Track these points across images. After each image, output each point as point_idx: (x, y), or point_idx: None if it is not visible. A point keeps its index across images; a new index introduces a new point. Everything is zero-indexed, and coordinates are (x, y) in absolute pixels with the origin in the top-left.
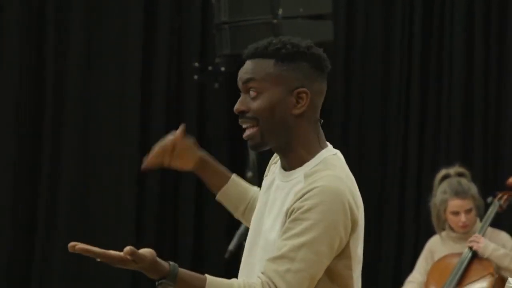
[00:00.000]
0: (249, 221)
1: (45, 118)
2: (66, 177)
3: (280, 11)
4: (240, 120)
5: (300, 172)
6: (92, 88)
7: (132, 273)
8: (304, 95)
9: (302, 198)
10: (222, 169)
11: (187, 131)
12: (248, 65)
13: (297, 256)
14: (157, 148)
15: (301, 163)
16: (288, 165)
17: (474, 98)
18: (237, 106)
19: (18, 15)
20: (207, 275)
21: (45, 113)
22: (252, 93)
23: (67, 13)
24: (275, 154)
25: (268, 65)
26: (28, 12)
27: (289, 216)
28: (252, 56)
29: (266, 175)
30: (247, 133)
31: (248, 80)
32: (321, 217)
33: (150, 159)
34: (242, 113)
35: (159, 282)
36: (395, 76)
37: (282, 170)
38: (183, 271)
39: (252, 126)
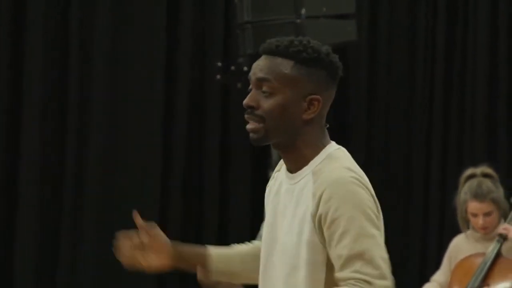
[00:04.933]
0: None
1: (69, 119)
2: (90, 179)
3: (303, 11)
4: (246, 116)
5: (306, 170)
6: (116, 88)
7: (157, 276)
8: (316, 102)
9: (323, 201)
10: (196, 249)
11: (209, 132)
12: (265, 62)
13: (360, 249)
14: (126, 248)
15: (306, 162)
16: (293, 166)
17: (499, 95)
18: (247, 101)
19: (42, 14)
20: None
21: (69, 115)
22: (265, 92)
23: (91, 15)
24: (278, 164)
25: (286, 65)
26: (52, 12)
27: (320, 222)
28: (271, 52)
29: (268, 185)
30: (251, 126)
31: (262, 79)
32: (351, 205)
33: (125, 259)
34: (251, 108)
35: None
36: (419, 74)
37: (288, 173)
38: None
39: (258, 122)
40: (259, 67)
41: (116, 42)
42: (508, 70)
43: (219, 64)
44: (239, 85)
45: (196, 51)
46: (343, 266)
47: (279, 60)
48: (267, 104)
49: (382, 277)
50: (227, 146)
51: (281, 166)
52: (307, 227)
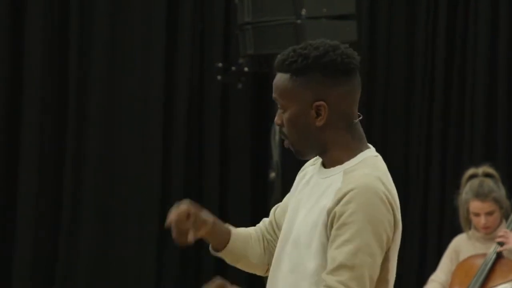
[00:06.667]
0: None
1: (69, 119)
2: (90, 178)
3: (304, 12)
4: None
5: (339, 169)
6: (115, 90)
7: (155, 274)
8: (322, 108)
9: (343, 201)
10: (224, 227)
11: (210, 133)
12: (275, 79)
13: (355, 262)
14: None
15: (341, 162)
16: (328, 164)
17: (498, 96)
18: (275, 120)
19: (41, 16)
20: None
21: (69, 114)
22: (280, 110)
23: (91, 15)
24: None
25: (285, 80)
26: (51, 13)
27: (333, 220)
28: (277, 69)
29: (299, 175)
30: (285, 143)
31: (274, 99)
32: (367, 218)
33: (178, 238)
34: (280, 126)
35: None
36: (419, 75)
37: (322, 168)
38: None
39: (286, 139)
40: (273, 87)
41: (116, 42)
42: (508, 70)
43: (220, 64)
44: (239, 85)
45: (196, 52)
46: (333, 271)
47: (281, 76)
48: (284, 120)
49: None
50: (227, 147)
51: (317, 160)
52: (321, 220)
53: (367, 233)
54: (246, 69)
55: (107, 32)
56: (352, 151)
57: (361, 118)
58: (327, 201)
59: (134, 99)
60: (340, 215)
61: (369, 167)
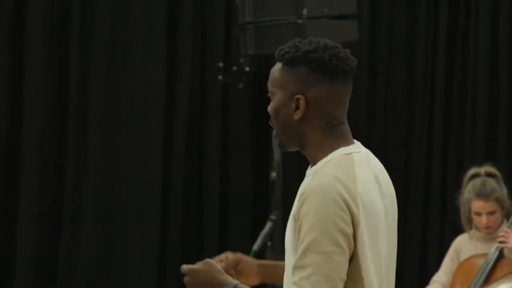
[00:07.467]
0: None
1: (69, 119)
2: (90, 178)
3: (305, 11)
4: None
5: (312, 169)
6: (115, 90)
7: (156, 274)
8: (301, 101)
9: (299, 204)
10: (277, 263)
11: (210, 133)
12: (272, 68)
13: (304, 262)
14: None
15: (315, 162)
16: (311, 164)
17: (499, 96)
18: (268, 108)
19: (42, 16)
20: None
21: (69, 114)
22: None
23: (91, 15)
24: None
25: (277, 69)
26: (52, 13)
27: (297, 224)
28: (276, 59)
29: None
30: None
31: (267, 86)
32: (315, 218)
33: None
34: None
35: None
36: (420, 75)
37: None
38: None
39: (273, 126)
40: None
41: (116, 42)
42: (509, 69)
43: (221, 64)
44: (240, 85)
45: (197, 51)
46: (293, 272)
47: (276, 65)
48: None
49: None
50: (228, 147)
51: None
52: (291, 225)
53: (316, 233)
54: (247, 69)
55: (108, 32)
56: (325, 151)
57: (345, 122)
58: (295, 207)
59: (134, 99)
60: (298, 219)
61: (332, 166)
